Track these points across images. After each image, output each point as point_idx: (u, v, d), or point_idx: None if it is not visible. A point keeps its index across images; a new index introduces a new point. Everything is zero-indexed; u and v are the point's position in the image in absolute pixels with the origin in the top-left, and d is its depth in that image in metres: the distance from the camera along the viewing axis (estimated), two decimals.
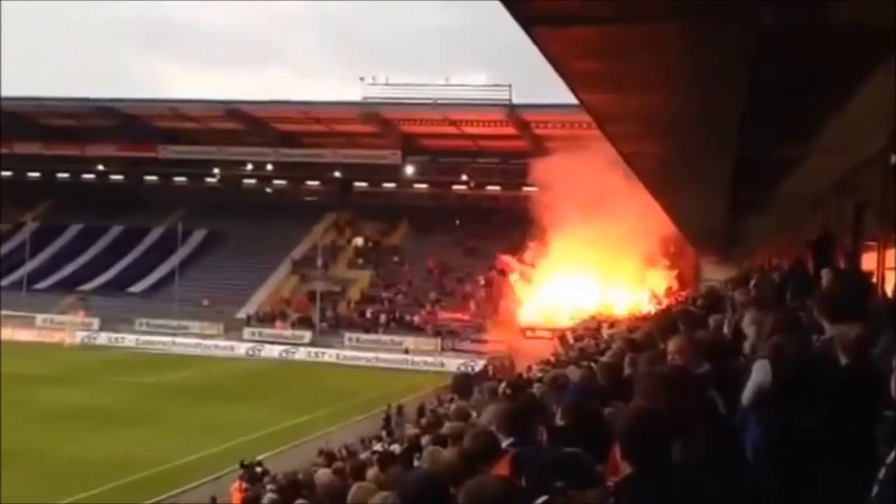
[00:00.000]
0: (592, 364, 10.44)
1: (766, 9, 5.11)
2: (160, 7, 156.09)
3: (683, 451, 3.91)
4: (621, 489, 3.66)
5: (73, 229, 71.62)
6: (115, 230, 70.99)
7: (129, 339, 56.95)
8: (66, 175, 75.70)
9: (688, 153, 11.76)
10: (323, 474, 13.41)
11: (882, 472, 2.61)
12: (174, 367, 46.97)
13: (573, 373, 11.13)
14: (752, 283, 12.21)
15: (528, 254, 57.11)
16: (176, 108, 67.40)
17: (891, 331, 4.86)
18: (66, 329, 57.84)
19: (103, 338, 57.29)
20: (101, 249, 69.49)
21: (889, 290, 9.79)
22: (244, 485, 21.79)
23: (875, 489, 2.62)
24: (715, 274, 34.93)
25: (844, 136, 9.80)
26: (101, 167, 73.83)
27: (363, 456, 18.49)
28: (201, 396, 38.51)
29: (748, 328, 6.78)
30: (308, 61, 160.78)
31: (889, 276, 10.18)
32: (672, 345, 6.23)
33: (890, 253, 10.40)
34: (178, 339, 56.51)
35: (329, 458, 20.98)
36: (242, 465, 23.59)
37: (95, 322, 59.22)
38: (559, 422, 6.09)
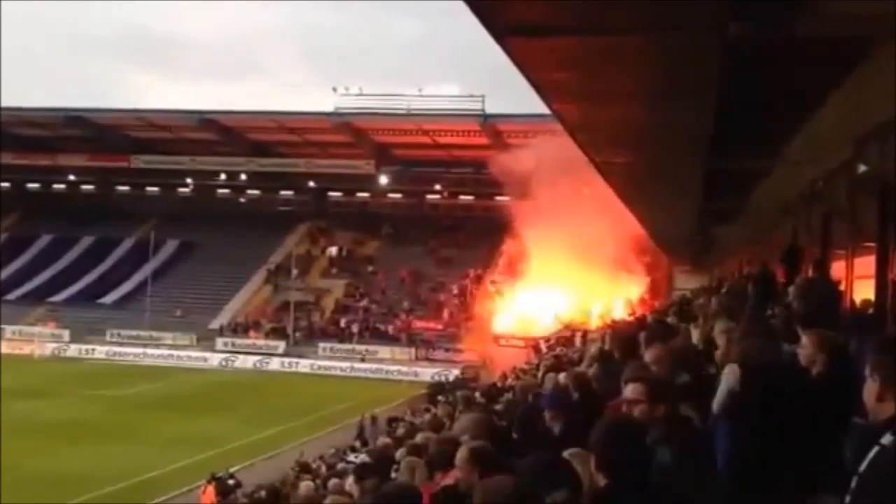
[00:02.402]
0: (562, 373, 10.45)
1: (734, 22, 5.17)
2: (137, 19, 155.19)
3: (661, 463, 3.92)
4: (595, 501, 3.65)
5: (44, 240, 70.84)
6: (87, 241, 70.29)
7: (100, 351, 56.38)
8: (36, 185, 75.02)
9: (658, 163, 11.86)
10: (303, 487, 13.40)
11: (854, 482, 2.63)
12: (146, 378, 46.54)
13: (550, 380, 11.17)
14: (724, 291, 12.32)
15: (502, 262, 57.36)
16: (148, 118, 67.01)
17: (860, 338, 4.92)
18: (36, 341, 57.13)
19: (74, 349, 56.69)
20: (71, 260, 68.79)
21: (858, 299, 9.91)
22: (216, 497, 21.66)
23: (847, 499, 2.64)
24: (687, 282, 35.18)
25: (812, 147, 9.93)
26: (72, 177, 73.21)
27: (338, 467, 18.45)
28: (174, 408, 38.19)
29: (719, 337, 6.83)
30: (283, 72, 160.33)
31: (857, 284, 10.29)
32: (649, 355, 6.26)
33: (858, 261, 10.51)
34: (150, 351, 56.03)
35: (304, 469, 20.92)
36: (214, 478, 23.47)
37: (66, 333, 58.54)
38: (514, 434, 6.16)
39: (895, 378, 2.63)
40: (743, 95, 7.27)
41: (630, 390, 4.89)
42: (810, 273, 11.43)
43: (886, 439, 2.52)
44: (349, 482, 11.40)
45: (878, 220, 9.01)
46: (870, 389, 2.72)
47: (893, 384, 2.63)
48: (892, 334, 3.17)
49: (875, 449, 2.53)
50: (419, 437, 10.09)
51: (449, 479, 5.20)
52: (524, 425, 6.19)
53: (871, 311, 9.01)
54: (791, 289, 9.16)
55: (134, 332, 58.22)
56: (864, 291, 9.87)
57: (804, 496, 4.35)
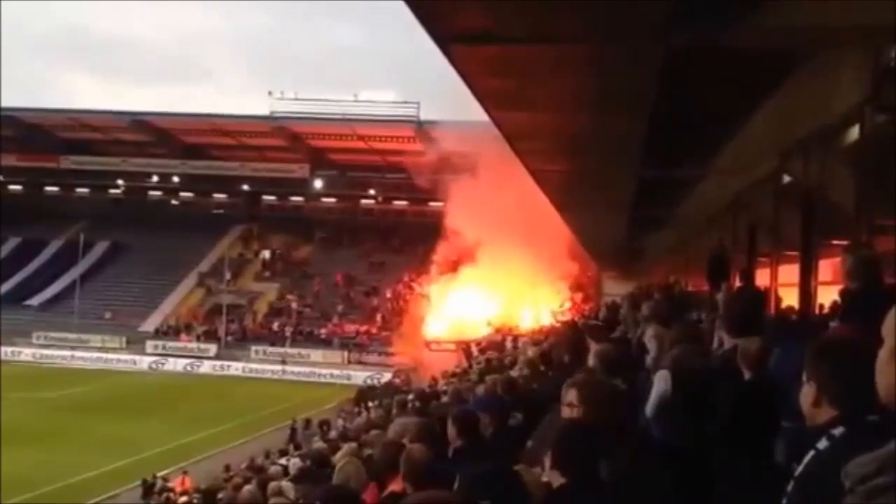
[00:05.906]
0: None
1: (668, 34, 5.34)
2: (71, 18, 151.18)
3: (611, 467, 3.99)
4: (551, 500, 3.69)
5: None
6: (13, 241, 68.48)
7: (26, 353, 54.98)
8: None
9: (592, 171, 12.06)
10: (245, 491, 13.37)
11: (791, 486, 2.69)
12: (74, 381, 45.50)
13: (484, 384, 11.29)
14: (656, 297, 12.57)
15: (434, 267, 57.27)
16: (79, 118, 65.67)
17: (783, 344, 5.10)
18: None
19: None
20: None
21: (782, 305, 10.25)
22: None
23: (784, 502, 2.70)
24: (615, 288, 35.52)
25: (740, 158, 10.24)
26: None
27: (270, 470, 18.35)
28: (102, 412, 37.48)
29: (650, 342, 7.00)
30: (219, 76, 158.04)
31: (781, 291, 10.62)
32: (594, 358, 6.37)
33: (782, 269, 10.85)
34: (78, 353, 54.91)
35: (254, 470, 20.77)
36: (145, 483, 23.19)
37: None
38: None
39: (831, 383, 2.64)
40: (676, 106, 7.48)
41: (571, 395, 5.00)
42: (736, 281, 11.74)
43: (822, 444, 2.54)
44: (286, 484, 11.44)
45: (801, 229, 9.31)
46: (806, 394, 2.71)
47: (829, 389, 2.63)
48: (830, 339, 3.25)
49: (811, 453, 2.56)
50: (363, 439, 10.15)
51: (396, 486, 5.26)
52: (463, 428, 6.23)
53: (794, 317, 9.33)
54: (719, 297, 9.47)
55: (61, 335, 56.90)
56: (787, 298, 10.21)
57: (737, 496, 4.51)
